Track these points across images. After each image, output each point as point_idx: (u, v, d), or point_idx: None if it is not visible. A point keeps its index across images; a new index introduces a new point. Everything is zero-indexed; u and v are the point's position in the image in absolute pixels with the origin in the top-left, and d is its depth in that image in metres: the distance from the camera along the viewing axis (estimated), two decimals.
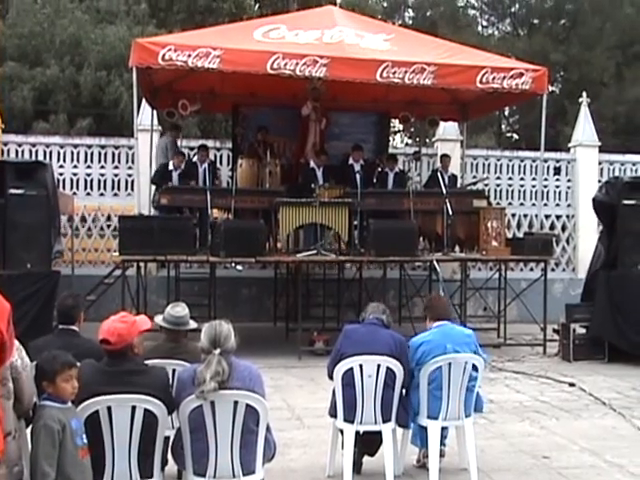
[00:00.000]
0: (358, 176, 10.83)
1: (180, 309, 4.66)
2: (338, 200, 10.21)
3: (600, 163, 14.41)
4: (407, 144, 24.74)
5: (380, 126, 13.23)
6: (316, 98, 11.54)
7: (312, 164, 11.27)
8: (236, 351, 3.79)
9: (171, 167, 11.00)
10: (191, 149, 12.99)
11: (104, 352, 3.73)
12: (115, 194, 13.12)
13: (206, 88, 11.69)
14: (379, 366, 4.79)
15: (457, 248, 10.93)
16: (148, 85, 11.12)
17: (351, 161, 11.38)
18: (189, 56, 9.29)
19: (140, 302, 10.56)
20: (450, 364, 4.89)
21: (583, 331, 9.91)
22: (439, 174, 11.29)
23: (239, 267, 12.99)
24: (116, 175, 13.13)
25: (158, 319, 4.64)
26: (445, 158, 11.91)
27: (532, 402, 7.51)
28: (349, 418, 4.83)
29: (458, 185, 12.17)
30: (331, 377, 4.93)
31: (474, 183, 12.64)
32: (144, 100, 11.98)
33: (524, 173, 14.34)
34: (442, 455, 5.16)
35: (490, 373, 8.70)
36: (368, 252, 9.91)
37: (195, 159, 11.40)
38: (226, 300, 12.33)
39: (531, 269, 13.62)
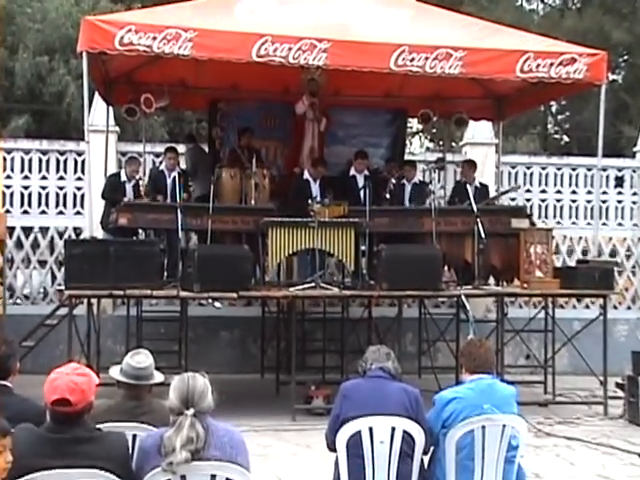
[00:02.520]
0: (363, 190, 10.86)
1: (142, 358, 4.65)
2: (341, 220, 10.26)
3: None
4: (428, 149, 24.86)
5: (394, 127, 13.35)
6: (314, 92, 11.62)
7: (307, 175, 11.35)
8: (214, 411, 3.80)
9: (124, 178, 11.08)
10: (156, 155, 13.05)
11: (52, 415, 3.71)
12: (60, 212, 13.19)
13: (176, 79, 11.78)
14: (394, 429, 4.77)
15: (491, 280, 10.94)
16: (102, 75, 11.20)
17: (353, 172, 11.48)
18: (154, 39, 9.35)
19: (91, 349, 10.56)
20: (484, 428, 4.89)
21: None
22: (467, 186, 11.34)
23: (217, 304, 12.99)
24: (61, 188, 13.21)
25: (114, 371, 4.63)
26: (467, 165, 11.96)
27: (591, 478, 7.49)
28: None
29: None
30: (332, 449, 4.91)
31: (503, 193, 12.67)
32: (97, 94, 12.06)
33: (576, 185, 14.43)
34: None
35: (535, 439, 8.68)
36: (379, 285, 9.92)
37: (162, 167, 11.47)
38: (201, 346, 12.34)
39: (586, 306, 13.65)
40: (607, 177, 14.38)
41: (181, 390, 3.76)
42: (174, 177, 11.00)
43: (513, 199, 13.59)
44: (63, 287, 9.54)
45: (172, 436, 3.65)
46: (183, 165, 12.07)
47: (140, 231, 10.98)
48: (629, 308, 14.14)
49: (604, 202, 14.20)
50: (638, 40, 22.01)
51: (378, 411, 4.78)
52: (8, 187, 13.05)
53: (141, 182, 11.35)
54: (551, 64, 10.05)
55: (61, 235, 12.99)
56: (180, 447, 3.60)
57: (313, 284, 9.88)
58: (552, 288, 10.60)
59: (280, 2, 10.39)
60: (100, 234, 10.76)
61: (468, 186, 11.30)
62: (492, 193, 12.41)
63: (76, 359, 8.98)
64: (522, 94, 12.15)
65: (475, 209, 10.43)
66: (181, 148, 12.69)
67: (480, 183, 11.87)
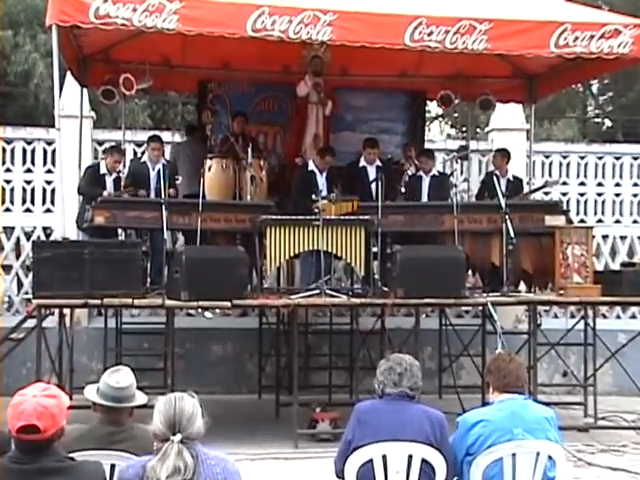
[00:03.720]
0: (374, 184, 10.89)
1: (122, 377, 4.66)
2: (350, 218, 10.29)
3: None
4: (449, 136, 24.82)
5: (411, 111, 13.38)
6: (318, 71, 11.63)
7: (311, 166, 11.35)
8: (204, 437, 3.80)
9: (104, 170, 11.08)
10: (138, 145, 13.06)
11: (17, 443, 3.71)
12: (27, 209, 13.21)
13: (159, 57, 11.81)
14: (411, 458, 4.77)
15: (522, 286, 10.93)
16: (75, 52, 11.21)
17: (363, 162, 11.50)
18: (134, 11, 9.34)
19: (63, 366, 10.56)
20: (515, 456, 4.88)
21: None
22: (495, 179, 11.33)
23: (208, 314, 13.00)
24: (28, 182, 13.23)
25: (90, 392, 4.64)
26: (500, 155, 11.98)
27: None
28: None
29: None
30: (340, 477, 4.91)
31: (538, 189, 12.67)
32: (69, 74, 12.07)
33: (620, 176, 14.41)
34: None
35: (575, 469, 8.66)
36: (393, 292, 9.92)
37: (144, 158, 11.47)
38: (190, 362, 12.38)
39: (632, 316, 13.63)
40: None
41: (167, 413, 3.76)
42: (158, 170, 11.00)
43: (547, 193, 13.56)
44: (31, 296, 9.54)
45: (156, 466, 3.64)
46: (168, 156, 12.09)
47: (120, 231, 10.97)
48: None
49: None
50: None
51: (395, 437, 4.78)
52: None
53: (122, 175, 11.36)
54: (591, 37, 10.00)
55: (28, 236, 12.99)
56: (166, 478, 3.61)
57: (318, 291, 9.86)
58: (592, 295, 10.56)
59: None
60: (75, 234, 10.78)
61: (500, 179, 11.33)
62: (525, 188, 12.39)
63: (45, 379, 9.00)
64: (557, 72, 12.13)
65: (503, 205, 10.41)
66: (166, 136, 12.71)
67: (513, 176, 11.90)
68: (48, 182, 13.11)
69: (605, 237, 14.09)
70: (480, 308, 11.62)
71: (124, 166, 11.80)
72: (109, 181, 11.03)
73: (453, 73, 12.27)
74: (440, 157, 13.22)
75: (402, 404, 4.91)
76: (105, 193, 10.66)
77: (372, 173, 11.28)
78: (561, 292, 10.45)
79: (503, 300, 10.31)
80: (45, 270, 9.32)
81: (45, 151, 13.18)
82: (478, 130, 20.80)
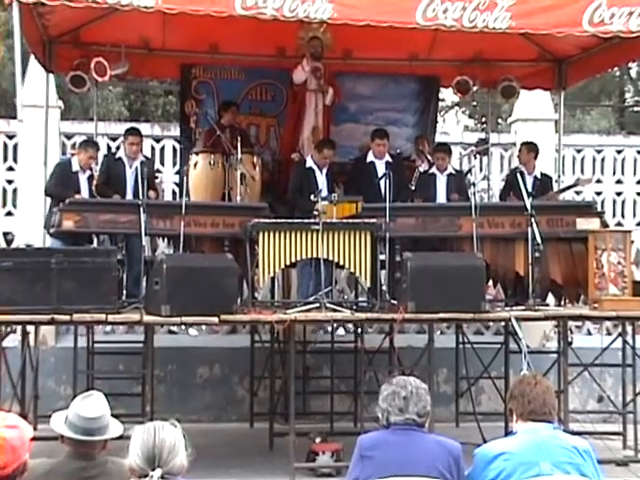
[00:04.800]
0: (384, 181, 10.88)
1: (94, 404, 4.64)
2: (354, 221, 10.29)
3: None
4: (467, 128, 24.85)
5: (422, 100, 13.38)
6: (317, 55, 11.65)
7: (310, 162, 11.37)
8: (189, 472, 3.80)
9: (76, 167, 11.08)
10: (113, 139, 13.07)
11: None
12: None
13: (137, 39, 11.82)
14: None
15: (551, 298, 10.93)
16: (40, 33, 11.19)
17: (371, 157, 11.50)
18: None
19: (27, 392, 10.55)
20: None
21: None
22: (520, 176, 11.32)
23: (193, 331, 12.98)
24: None
25: (58, 421, 4.63)
26: (526, 149, 11.99)
27: None
28: None
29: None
30: None
31: (569, 188, 12.64)
32: (32, 58, 12.07)
33: None
34: None
35: None
36: (403, 305, 9.86)
37: (120, 154, 11.49)
38: (172, 386, 12.39)
39: None
40: None
41: (145, 445, 3.76)
42: (136, 167, 10.98)
43: (579, 192, 13.55)
44: None
45: None
46: (148, 153, 12.10)
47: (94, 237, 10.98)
48: None
49: None
50: None
51: (404, 473, 4.76)
52: None
53: (97, 174, 11.36)
54: (630, 13, 9.94)
55: None
56: None
57: (317, 305, 9.86)
58: (631, 309, 10.54)
59: None
60: (41, 241, 10.78)
61: (526, 176, 11.31)
62: (554, 185, 12.37)
63: (6, 406, 9.01)
64: (590, 54, 12.12)
65: (529, 206, 10.42)
66: (145, 129, 12.70)
67: (541, 173, 11.90)
68: (9, 181, 13.11)
69: None
70: (502, 324, 11.63)
71: (97, 163, 11.80)
72: (82, 180, 11.02)
73: (471, 56, 12.28)
74: (456, 152, 13.21)
75: (411, 435, 4.90)
76: (78, 195, 10.67)
77: (380, 169, 11.28)
78: (595, 305, 10.44)
79: (529, 315, 10.27)
80: (6, 282, 9.29)
81: (6, 145, 13.17)
82: (500, 121, 20.79)
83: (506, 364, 11.38)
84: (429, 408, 4.97)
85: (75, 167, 11.06)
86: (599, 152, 14.41)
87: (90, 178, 11.09)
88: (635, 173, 14.44)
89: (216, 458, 9.23)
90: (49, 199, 11.04)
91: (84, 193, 10.91)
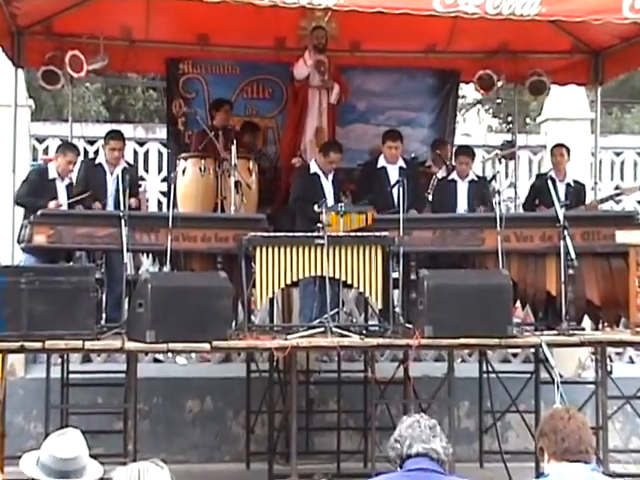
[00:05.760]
0: (396, 189, 10.86)
1: (70, 443, 4.63)
2: (364, 234, 10.28)
3: None
4: (491, 129, 24.87)
5: (440, 97, 13.44)
6: (321, 47, 11.67)
7: (314, 167, 11.37)
8: None
9: (53, 174, 11.06)
10: (90, 142, 13.06)
11: None
12: None
13: (117, 29, 11.83)
14: None
15: (587, 321, 10.90)
16: (7, 23, 11.19)
17: (382, 162, 11.50)
18: None
19: None
20: None
21: None
22: (550, 183, 11.31)
23: (181, 360, 12.97)
24: None
25: (28, 463, 4.61)
26: (557, 152, 12.00)
27: None
28: None
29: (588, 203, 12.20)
30: None
31: (609, 198, 12.66)
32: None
33: None
34: None
35: None
36: (419, 329, 9.83)
37: (99, 159, 11.47)
38: (158, 422, 12.37)
39: None
40: None
41: None
42: (118, 175, 11.01)
43: (618, 201, 13.54)
44: None
45: None
46: (131, 158, 12.10)
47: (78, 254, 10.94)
48: None
49: None
50: None
51: None
52: None
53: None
54: None
55: None
56: None
57: (322, 329, 9.83)
58: None
59: None
60: (9, 257, 10.78)
61: (557, 183, 11.28)
62: (589, 195, 12.35)
63: None
64: (631, 45, 12.09)
65: (561, 217, 10.38)
66: (126, 131, 12.68)
67: (574, 180, 11.91)
68: None
69: None
70: (532, 350, 11.60)
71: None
72: (61, 188, 11.02)
73: (495, 47, 12.29)
74: (479, 156, 13.21)
75: (429, 477, 4.86)
76: (52, 204, 10.64)
77: (394, 175, 11.26)
78: (638, 329, 10.41)
79: (562, 340, 10.22)
80: None
81: None
82: (528, 121, 20.81)
83: (536, 396, 11.37)
84: (451, 450, 4.96)
85: (52, 174, 11.05)
86: None
87: (69, 186, 11.09)
88: None
89: None
90: (22, 209, 11.02)
91: (63, 203, 10.87)
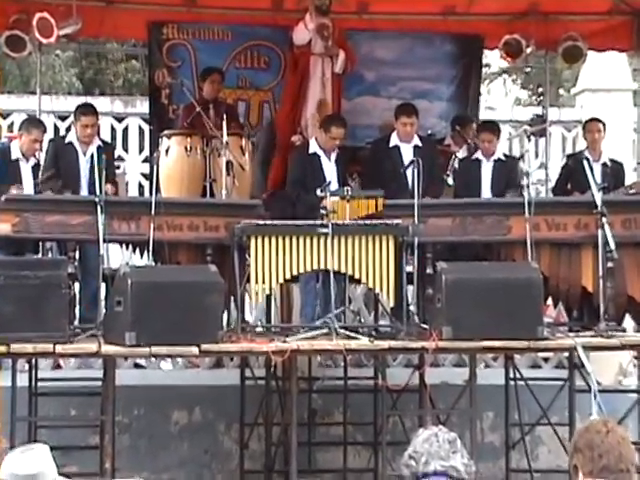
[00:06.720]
0: (411, 171, 10.82)
1: (35, 459, 4.66)
2: (373, 222, 10.30)
3: None
4: (518, 101, 24.87)
5: (461, 66, 13.44)
6: (324, 9, 11.65)
7: (314, 146, 11.35)
8: None
9: (17, 154, 11.07)
10: (62, 118, 13.04)
11: None
12: None
13: None
14: None
15: (628, 321, 10.88)
16: None
17: (395, 140, 11.46)
18: None
19: None
20: None
21: None
22: (585, 163, 11.27)
23: (166, 365, 12.95)
24: None
25: None
26: (593, 127, 11.99)
27: None
28: None
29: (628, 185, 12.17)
30: None
31: None
32: None
33: None
34: None
35: None
36: (437, 330, 9.89)
37: (70, 137, 11.49)
38: (139, 436, 12.38)
39: None
40: None
41: None
42: (92, 155, 11.01)
43: None
44: None
45: None
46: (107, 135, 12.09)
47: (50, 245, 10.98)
48: None
49: None
50: None
51: None
52: None
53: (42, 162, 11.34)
54: None
55: None
56: None
57: (326, 330, 9.84)
58: None
59: None
60: None
61: (592, 163, 11.24)
62: (630, 176, 12.33)
63: None
64: None
65: (599, 202, 10.37)
66: (102, 105, 12.66)
67: (611, 160, 11.87)
68: None
69: None
70: (566, 354, 11.57)
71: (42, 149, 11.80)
72: (25, 170, 11.05)
73: (524, 9, 12.29)
74: (505, 132, 13.16)
75: None
76: (13, 190, 10.58)
77: (407, 155, 11.23)
78: None
79: (600, 342, 10.25)
80: None
81: None
82: (561, 92, 20.77)
83: (570, 406, 11.41)
84: (473, 469, 4.90)
85: (15, 154, 11.09)
86: None
87: (35, 167, 11.11)
88: None
89: None
90: None
91: (27, 187, 10.92)
